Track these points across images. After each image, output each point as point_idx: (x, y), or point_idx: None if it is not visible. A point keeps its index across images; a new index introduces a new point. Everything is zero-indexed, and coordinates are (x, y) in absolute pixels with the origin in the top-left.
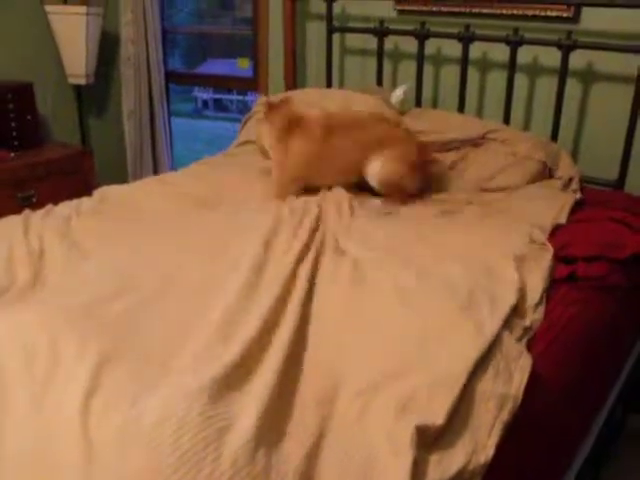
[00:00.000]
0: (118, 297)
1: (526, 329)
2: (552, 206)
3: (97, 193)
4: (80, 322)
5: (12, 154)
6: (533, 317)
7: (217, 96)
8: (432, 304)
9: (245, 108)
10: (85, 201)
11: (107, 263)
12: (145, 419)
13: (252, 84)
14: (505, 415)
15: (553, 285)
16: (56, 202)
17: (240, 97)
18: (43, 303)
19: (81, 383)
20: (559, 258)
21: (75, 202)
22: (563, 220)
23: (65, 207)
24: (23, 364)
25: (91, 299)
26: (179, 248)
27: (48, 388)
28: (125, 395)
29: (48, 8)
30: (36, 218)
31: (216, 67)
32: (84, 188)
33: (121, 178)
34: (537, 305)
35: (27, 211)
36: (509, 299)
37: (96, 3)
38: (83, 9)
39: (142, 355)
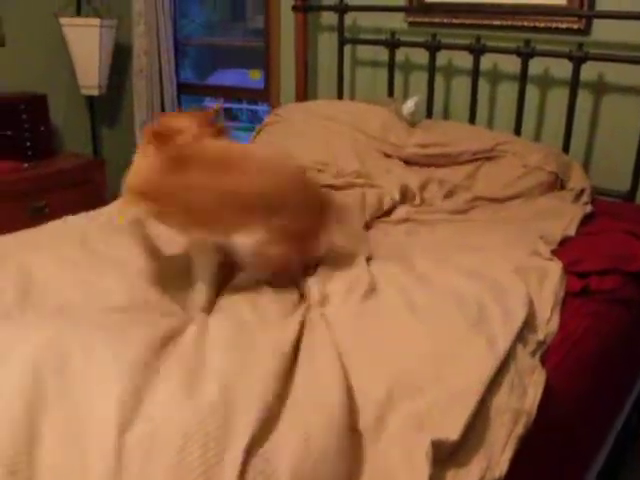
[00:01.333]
0: (134, 310)
1: (540, 343)
2: (562, 218)
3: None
4: (110, 332)
5: (25, 165)
6: (547, 331)
7: (227, 105)
8: (443, 319)
9: (255, 117)
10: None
11: (123, 275)
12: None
13: (263, 95)
14: (519, 430)
15: (566, 299)
16: (68, 212)
17: (250, 106)
18: (75, 312)
19: (114, 391)
20: (573, 272)
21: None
22: (572, 232)
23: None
24: (58, 372)
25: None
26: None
27: (82, 396)
28: (151, 404)
29: (62, 20)
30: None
31: (226, 77)
32: (96, 199)
33: None
34: (549, 319)
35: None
36: (520, 313)
37: (110, 15)
38: (97, 21)
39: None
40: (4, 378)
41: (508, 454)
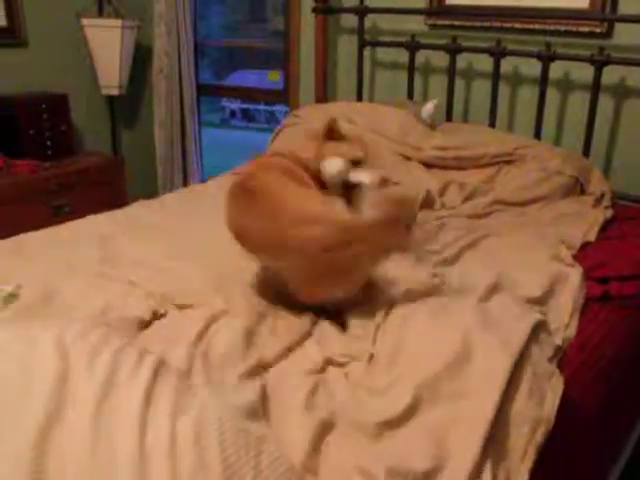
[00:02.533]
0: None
1: (557, 348)
2: (582, 223)
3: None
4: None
5: (46, 163)
6: (564, 335)
7: (245, 106)
8: (459, 320)
9: (272, 118)
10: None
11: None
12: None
13: (282, 96)
14: (538, 439)
15: (586, 304)
16: (88, 211)
17: (268, 107)
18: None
19: (139, 391)
20: (593, 278)
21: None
22: (592, 237)
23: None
24: (87, 370)
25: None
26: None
27: (109, 392)
28: (172, 404)
29: (84, 21)
30: None
31: (245, 78)
32: (116, 197)
33: (151, 187)
34: (567, 325)
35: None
36: (534, 317)
37: (131, 16)
38: (118, 22)
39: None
40: (35, 357)
41: (528, 464)
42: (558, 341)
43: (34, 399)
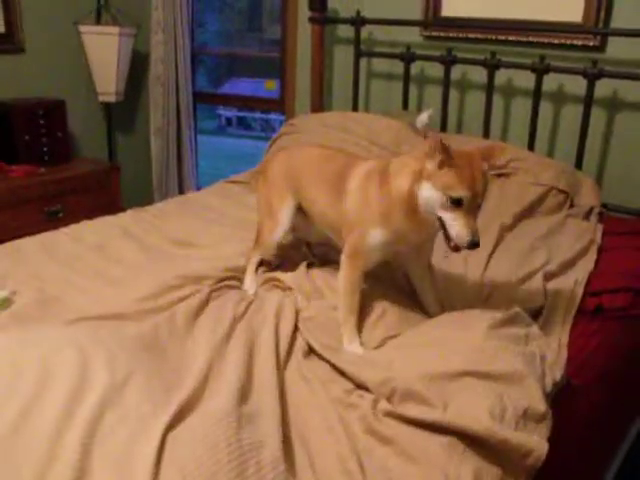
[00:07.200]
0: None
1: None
2: (572, 236)
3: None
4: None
5: (42, 169)
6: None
7: (241, 114)
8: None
9: (268, 126)
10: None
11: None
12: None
13: (278, 105)
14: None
15: (578, 317)
16: (82, 217)
17: (263, 116)
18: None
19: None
20: (586, 291)
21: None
22: (583, 251)
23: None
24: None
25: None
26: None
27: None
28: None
29: (82, 28)
30: None
31: (240, 86)
32: (110, 204)
33: (146, 194)
34: (559, 351)
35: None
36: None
37: (128, 24)
38: (116, 29)
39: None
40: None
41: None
42: (548, 357)
43: (56, 392)
